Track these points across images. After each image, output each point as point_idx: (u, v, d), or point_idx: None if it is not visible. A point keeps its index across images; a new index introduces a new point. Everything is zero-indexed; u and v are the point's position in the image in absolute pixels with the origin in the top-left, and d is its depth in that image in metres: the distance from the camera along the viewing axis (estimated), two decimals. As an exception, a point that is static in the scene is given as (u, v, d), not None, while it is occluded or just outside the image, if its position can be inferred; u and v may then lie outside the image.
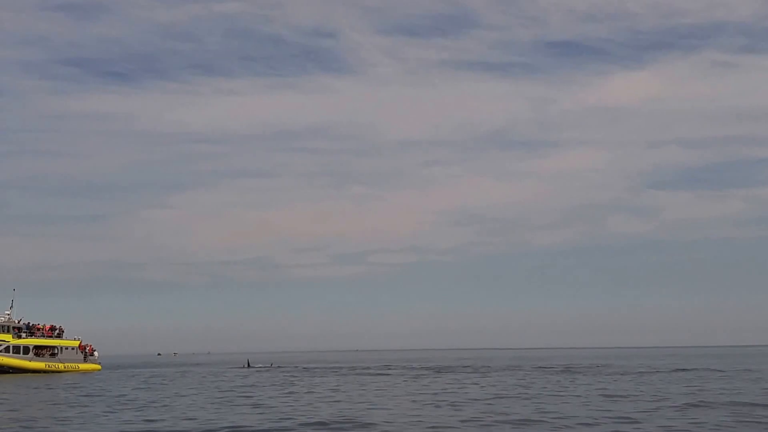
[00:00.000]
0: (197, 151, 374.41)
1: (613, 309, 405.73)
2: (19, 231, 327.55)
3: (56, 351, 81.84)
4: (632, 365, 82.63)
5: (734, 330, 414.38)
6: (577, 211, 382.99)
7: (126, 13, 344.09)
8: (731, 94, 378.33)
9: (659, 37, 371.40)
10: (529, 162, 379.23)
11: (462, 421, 25.78)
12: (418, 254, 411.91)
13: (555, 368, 74.26)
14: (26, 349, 78.01)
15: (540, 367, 77.16)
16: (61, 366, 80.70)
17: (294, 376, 64.20)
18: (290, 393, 41.82)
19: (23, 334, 79.05)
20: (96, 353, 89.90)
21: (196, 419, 27.50)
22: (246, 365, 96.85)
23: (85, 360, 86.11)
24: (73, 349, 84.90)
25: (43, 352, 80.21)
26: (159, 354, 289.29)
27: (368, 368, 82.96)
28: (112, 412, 30.80)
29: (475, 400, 34.80)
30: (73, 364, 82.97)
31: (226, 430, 24.37)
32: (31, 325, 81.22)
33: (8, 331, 77.25)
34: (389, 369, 79.58)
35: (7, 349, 75.98)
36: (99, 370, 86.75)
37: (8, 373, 73.94)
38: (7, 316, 78.50)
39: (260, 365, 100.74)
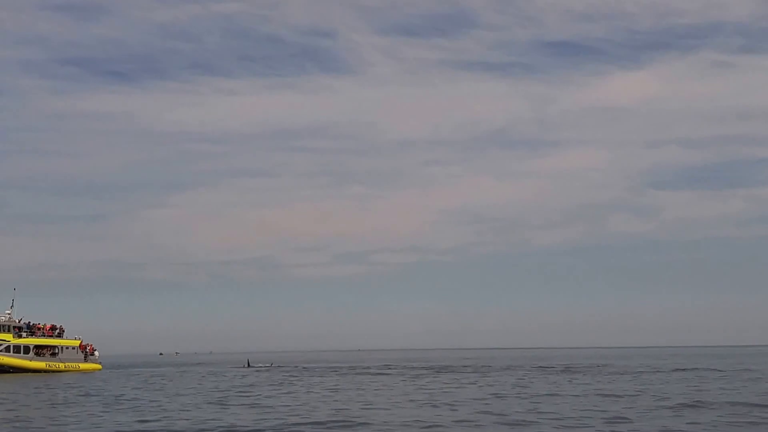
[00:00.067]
0: (197, 151, 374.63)
1: (614, 309, 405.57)
2: (19, 230, 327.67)
3: (57, 350, 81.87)
4: (632, 365, 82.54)
5: (736, 330, 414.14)
6: (578, 210, 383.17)
7: (125, 13, 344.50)
8: (730, 94, 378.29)
9: (656, 37, 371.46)
10: (529, 162, 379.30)
11: (456, 421, 25.74)
12: (419, 254, 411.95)
13: (555, 368, 74.21)
14: (27, 349, 78.05)
15: (540, 367, 77.11)
16: (61, 365, 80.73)
17: (293, 376, 64.20)
18: (286, 393, 41.80)
19: (24, 334, 79.10)
20: (97, 353, 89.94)
21: (189, 419, 27.49)
22: (246, 365, 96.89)
23: (85, 360, 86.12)
24: (73, 348, 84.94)
25: (44, 351, 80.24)
26: (161, 354, 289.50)
27: (368, 368, 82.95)
28: (107, 412, 30.77)
29: (472, 399, 34.77)
30: (73, 364, 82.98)
31: (220, 430, 24.37)
32: (31, 324, 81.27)
33: (9, 331, 77.27)
34: (389, 369, 79.57)
35: (7, 349, 76.01)
36: (100, 369, 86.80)
37: (9, 372, 74.02)
38: (8, 316, 78.55)
39: (260, 365, 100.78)
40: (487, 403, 32.45)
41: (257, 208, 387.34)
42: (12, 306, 79.21)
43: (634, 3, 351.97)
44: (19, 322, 79.56)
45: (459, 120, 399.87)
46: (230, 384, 52.08)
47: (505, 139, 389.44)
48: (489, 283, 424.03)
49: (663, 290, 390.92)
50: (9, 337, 76.71)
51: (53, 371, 78.44)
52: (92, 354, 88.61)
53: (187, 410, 31.15)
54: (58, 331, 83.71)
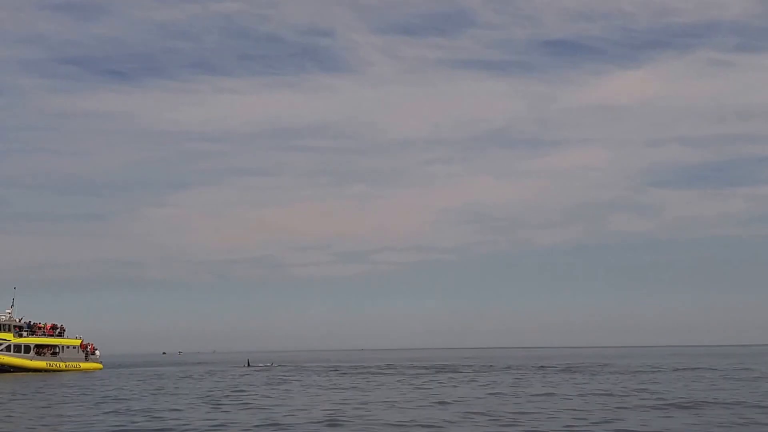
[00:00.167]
0: (198, 150, 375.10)
1: (615, 308, 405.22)
2: (20, 229, 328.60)
3: (57, 350, 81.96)
4: (634, 364, 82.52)
5: (738, 329, 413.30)
6: (578, 210, 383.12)
7: (124, 13, 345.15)
8: (729, 93, 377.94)
9: (654, 36, 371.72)
10: (529, 161, 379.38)
11: (446, 421, 25.52)
12: (421, 253, 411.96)
13: (555, 368, 74.20)
14: (27, 348, 78.14)
15: (541, 367, 77.10)
16: (62, 365, 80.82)
17: (292, 376, 64.24)
18: (282, 393, 41.74)
19: (24, 333, 79.20)
20: (98, 352, 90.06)
21: (179, 419, 27.43)
22: (246, 365, 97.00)
23: (86, 359, 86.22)
24: (74, 348, 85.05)
25: (45, 351, 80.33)
26: (164, 353, 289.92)
27: (368, 367, 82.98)
28: (98, 412, 30.63)
29: (467, 399, 34.69)
30: (74, 363, 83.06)
31: (206, 429, 24.41)
32: (32, 323, 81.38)
33: (9, 330, 77.35)
34: (389, 368, 79.57)
35: (8, 348, 76.09)
36: (101, 369, 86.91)
37: (9, 372, 74.10)
38: (8, 315, 78.66)
39: (261, 364, 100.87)
40: (481, 403, 32.42)
41: (258, 207, 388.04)
42: (12, 305, 79.41)
43: (630, 2, 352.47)
44: (19, 321, 79.66)
45: (459, 119, 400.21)
46: (227, 384, 52.08)
47: (505, 139, 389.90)
48: (490, 283, 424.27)
49: (664, 290, 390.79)
50: (9, 337, 76.78)
51: (54, 371, 78.51)
52: (93, 353, 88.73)
53: (179, 410, 31.15)
54: (58, 330, 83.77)
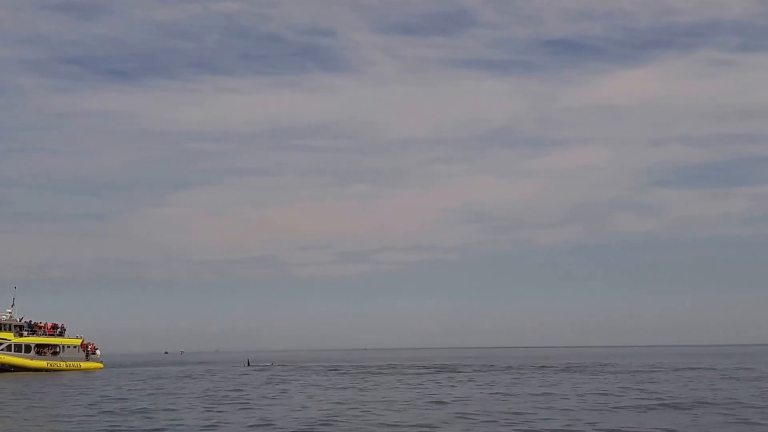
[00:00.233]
0: (199, 150, 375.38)
1: (618, 308, 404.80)
2: (21, 229, 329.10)
3: (58, 349, 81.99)
4: (634, 364, 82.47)
5: (741, 329, 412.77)
6: (581, 209, 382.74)
7: (125, 13, 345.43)
8: (730, 93, 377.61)
9: (655, 36, 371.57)
10: (531, 160, 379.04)
11: (440, 420, 25.50)
12: (423, 252, 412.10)
13: (555, 367, 74.16)
14: (28, 348, 78.19)
15: (542, 366, 77.06)
16: (62, 364, 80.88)
17: (291, 376, 64.26)
18: (276, 393, 41.75)
19: (25, 333, 79.28)
20: (98, 352, 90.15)
21: (172, 420, 27.42)
22: (246, 364, 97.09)
23: (87, 358, 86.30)
24: (75, 347, 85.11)
25: (45, 350, 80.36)
26: (166, 352, 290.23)
27: (368, 367, 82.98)
28: (90, 412, 30.67)
29: (461, 399, 34.64)
30: (75, 363, 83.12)
31: (196, 429, 24.45)
32: (32, 323, 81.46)
33: (10, 330, 77.41)
34: (390, 368, 79.57)
35: (8, 348, 76.13)
36: (101, 368, 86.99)
37: (10, 371, 74.17)
38: (9, 315, 78.76)
39: (261, 364, 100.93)
40: (476, 403, 32.37)
41: (259, 207, 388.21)
42: (13, 305, 79.48)
43: (632, 1, 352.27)
44: (20, 320, 79.76)
45: (460, 119, 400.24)
46: (225, 384, 52.07)
47: (506, 138, 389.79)
48: (492, 282, 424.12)
49: (666, 289, 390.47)
50: (10, 336, 76.85)
51: (54, 370, 78.58)
52: (94, 353, 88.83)
53: (174, 410, 31.15)
54: (59, 330, 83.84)
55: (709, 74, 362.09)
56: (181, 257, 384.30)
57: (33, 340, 79.42)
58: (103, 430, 24.73)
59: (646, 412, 28.30)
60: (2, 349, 75.51)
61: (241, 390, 44.21)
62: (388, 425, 24.96)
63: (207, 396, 39.12)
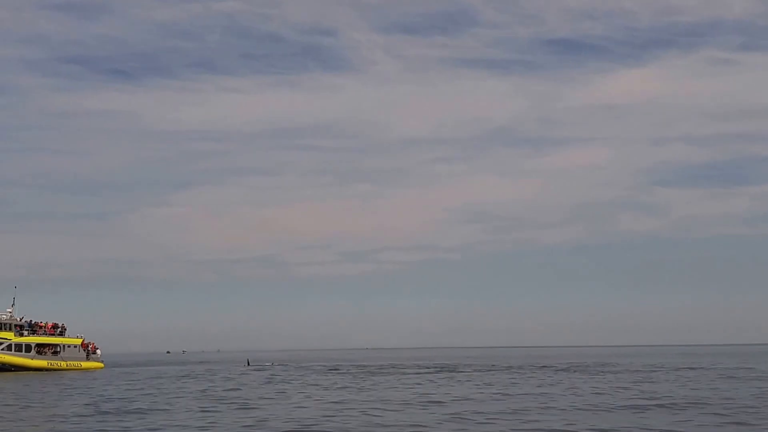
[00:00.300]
0: (201, 149, 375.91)
1: (621, 307, 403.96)
2: (22, 228, 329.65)
3: (58, 349, 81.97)
4: (637, 364, 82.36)
5: (746, 328, 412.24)
6: (582, 208, 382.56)
7: (126, 12, 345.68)
8: (733, 92, 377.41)
9: (657, 35, 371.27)
10: (533, 159, 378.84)
11: (434, 421, 25.46)
12: (426, 252, 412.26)
13: (555, 367, 74.07)
14: (28, 347, 78.19)
15: (543, 366, 76.95)
16: (63, 364, 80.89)
17: (290, 375, 64.22)
18: (273, 393, 41.68)
19: (25, 332, 79.32)
20: (99, 351, 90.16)
21: (167, 420, 27.42)
22: (246, 364, 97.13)
23: (87, 358, 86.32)
24: (75, 347, 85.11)
25: (46, 350, 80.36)
26: (168, 352, 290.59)
27: (368, 367, 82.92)
28: (82, 412, 30.66)
29: (458, 400, 34.54)
30: (75, 362, 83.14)
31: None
32: (33, 323, 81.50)
33: (10, 329, 77.47)
34: (390, 368, 79.52)
35: (9, 347, 76.15)
36: (102, 368, 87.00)
37: (10, 371, 74.21)
38: (9, 314, 78.81)
39: (263, 363, 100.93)
40: (471, 403, 32.30)
41: (261, 206, 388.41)
42: (13, 304, 79.54)
43: (634, 1, 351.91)
44: (20, 320, 79.81)
45: (462, 118, 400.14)
46: (224, 383, 52.01)
47: (508, 137, 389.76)
48: (494, 282, 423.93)
49: (668, 289, 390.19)
50: (10, 336, 76.89)
51: (55, 370, 78.61)
52: (94, 352, 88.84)
53: (168, 410, 31.10)
54: (59, 329, 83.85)
55: (710, 74, 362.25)
56: (181, 257, 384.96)
57: (33, 339, 79.43)
58: (97, 431, 24.70)
59: (642, 412, 28.20)
60: (3, 349, 75.53)
61: (239, 390, 44.17)
62: (383, 425, 24.89)
63: (204, 396, 39.07)
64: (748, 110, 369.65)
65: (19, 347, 77.13)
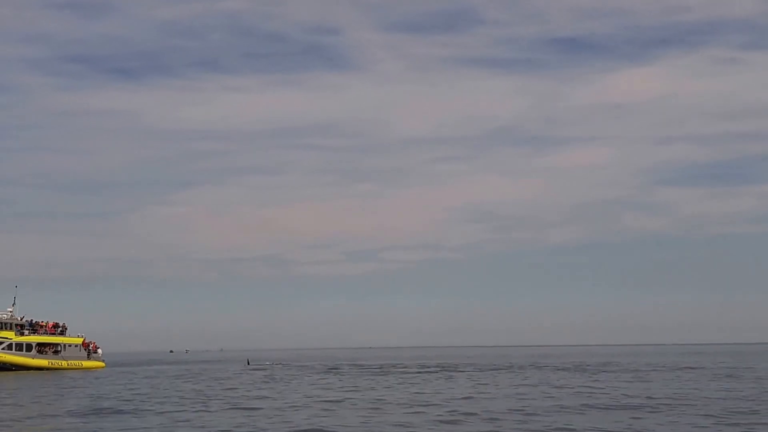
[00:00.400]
0: (203, 148, 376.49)
1: (626, 306, 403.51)
2: (23, 228, 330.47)
3: (59, 348, 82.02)
4: (638, 363, 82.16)
5: (752, 327, 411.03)
6: (586, 208, 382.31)
7: (129, 11, 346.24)
8: (737, 91, 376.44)
9: (662, 34, 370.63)
10: (536, 159, 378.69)
11: (427, 421, 25.39)
12: (430, 251, 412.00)
13: (555, 366, 73.94)
14: (29, 347, 78.25)
15: (544, 366, 76.82)
16: (64, 363, 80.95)
17: (289, 375, 64.14)
18: (270, 393, 41.61)
19: (26, 332, 79.37)
20: (100, 350, 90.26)
21: (162, 421, 27.41)
22: (246, 363, 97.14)
23: (88, 357, 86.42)
24: (76, 346, 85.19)
25: (46, 349, 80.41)
26: (171, 351, 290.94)
27: (370, 366, 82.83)
28: (81, 411, 30.60)
29: (455, 400, 34.46)
30: (76, 362, 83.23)
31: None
32: (34, 322, 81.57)
33: (11, 328, 77.54)
34: (391, 367, 79.42)
35: (9, 347, 76.19)
36: (103, 367, 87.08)
37: (11, 370, 74.27)
38: (10, 314, 78.88)
39: (262, 363, 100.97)
40: (468, 403, 32.20)
41: (263, 206, 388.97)
42: (14, 303, 79.66)
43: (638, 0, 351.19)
44: (21, 319, 79.88)
45: (465, 117, 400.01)
46: (222, 383, 51.95)
47: (511, 137, 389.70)
48: (497, 281, 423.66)
49: (673, 288, 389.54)
50: (11, 335, 76.95)
51: (56, 369, 78.65)
52: (95, 352, 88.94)
53: (163, 411, 31.04)
54: (60, 329, 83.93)
55: (714, 73, 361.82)
56: (183, 257, 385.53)
57: (34, 339, 79.47)
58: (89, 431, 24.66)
59: (642, 411, 28.07)
60: (3, 348, 75.58)
61: (236, 389, 44.11)
62: (379, 425, 24.79)
63: (200, 396, 39.00)
64: (751, 109, 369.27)
65: (19, 346, 77.17)
